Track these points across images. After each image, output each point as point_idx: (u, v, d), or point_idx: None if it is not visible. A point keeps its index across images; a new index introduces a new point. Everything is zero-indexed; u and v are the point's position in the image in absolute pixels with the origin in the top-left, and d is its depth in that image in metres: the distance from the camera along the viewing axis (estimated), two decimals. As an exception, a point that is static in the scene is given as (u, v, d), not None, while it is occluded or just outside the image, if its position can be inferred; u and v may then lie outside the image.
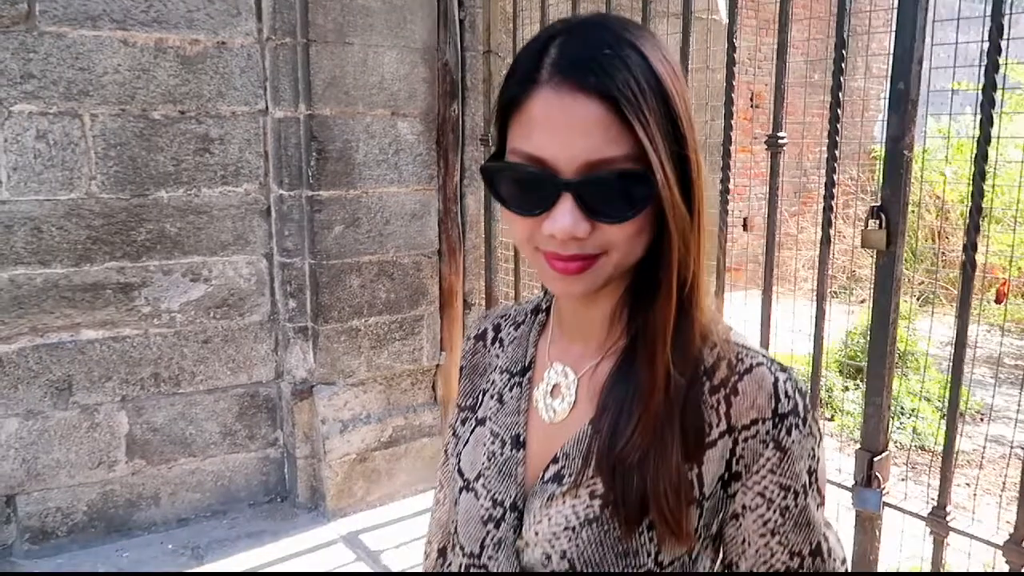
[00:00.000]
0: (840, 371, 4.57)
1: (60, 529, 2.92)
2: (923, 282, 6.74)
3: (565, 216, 0.67)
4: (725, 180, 2.22)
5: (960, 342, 1.76)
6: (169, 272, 2.96)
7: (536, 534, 0.75)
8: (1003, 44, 1.65)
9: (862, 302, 6.47)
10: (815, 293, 2.11)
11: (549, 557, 0.74)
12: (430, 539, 1.00)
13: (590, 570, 0.73)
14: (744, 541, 0.76)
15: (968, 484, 3.37)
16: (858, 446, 2.01)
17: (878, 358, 1.97)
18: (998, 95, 1.69)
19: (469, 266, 3.34)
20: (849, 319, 4.91)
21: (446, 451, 0.93)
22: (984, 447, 3.71)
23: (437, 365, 3.34)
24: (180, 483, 3.10)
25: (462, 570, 0.83)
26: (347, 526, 3.08)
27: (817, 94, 7.08)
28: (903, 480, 3.49)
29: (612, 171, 0.66)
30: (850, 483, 2.03)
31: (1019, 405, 4.09)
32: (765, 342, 2.21)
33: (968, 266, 1.77)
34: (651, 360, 0.72)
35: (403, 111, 3.08)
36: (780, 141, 2.08)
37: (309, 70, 2.87)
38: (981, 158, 1.66)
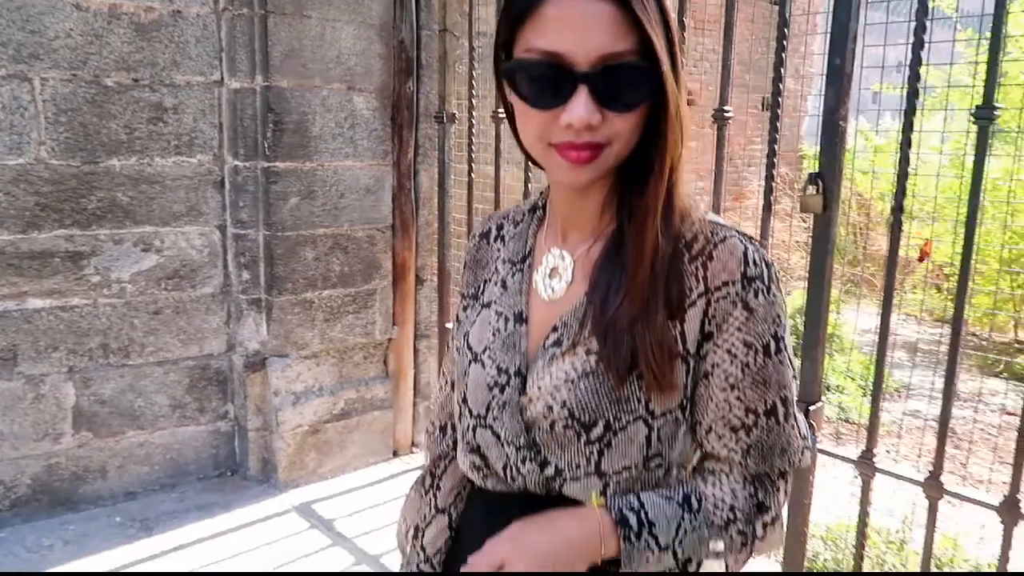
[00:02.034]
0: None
1: (2, 503, 2.85)
2: (845, 274, 7.10)
3: (581, 106, 0.76)
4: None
5: (889, 284, 1.94)
6: (120, 241, 2.93)
7: (539, 389, 0.85)
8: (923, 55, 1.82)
9: (788, 294, 6.78)
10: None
11: (551, 408, 0.83)
12: (432, 420, 1.09)
13: (587, 416, 0.82)
14: (709, 398, 0.84)
15: (888, 451, 3.61)
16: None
17: (814, 315, 2.13)
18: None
19: (422, 242, 3.40)
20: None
21: (451, 343, 1.02)
22: (902, 419, 3.98)
23: (389, 339, 3.39)
24: (128, 456, 3.07)
25: (468, 431, 0.92)
26: (299, 497, 3.11)
27: (749, 94, 7.39)
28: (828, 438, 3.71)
29: (622, 63, 0.76)
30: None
31: (933, 384, 4.40)
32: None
33: (896, 227, 1.94)
34: (641, 234, 0.81)
35: (359, 86, 3.12)
36: (726, 115, 2.23)
37: (267, 41, 2.88)
38: (908, 123, 1.83)
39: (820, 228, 2.07)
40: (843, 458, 2.17)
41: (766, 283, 0.82)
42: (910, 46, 1.82)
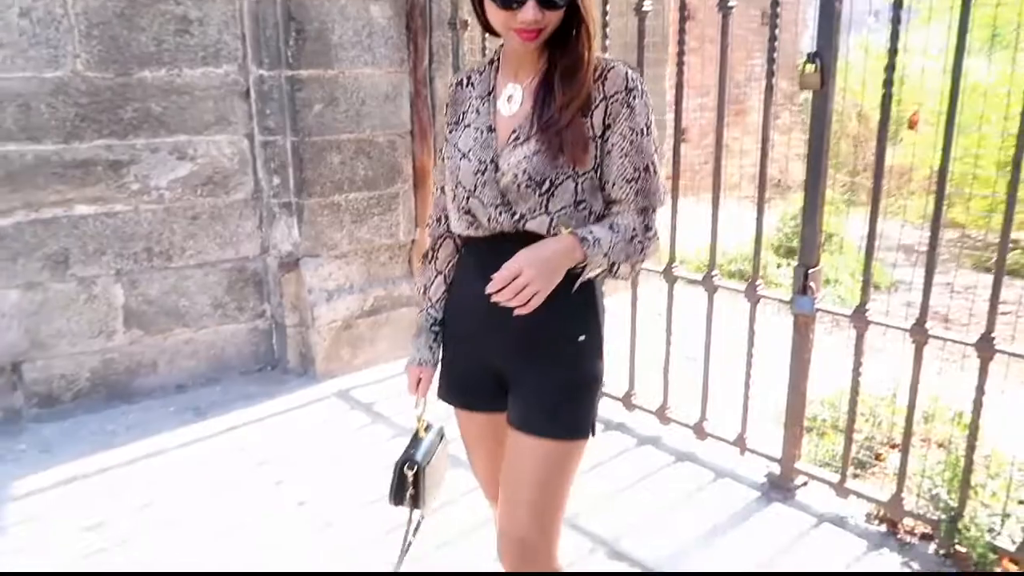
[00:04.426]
0: (776, 251, 5.00)
1: (65, 395, 3.10)
2: (845, 183, 7.26)
3: (529, 11, 1.22)
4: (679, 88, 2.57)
5: (880, 159, 2.12)
6: (156, 150, 3.10)
7: (508, 165, 1.31)
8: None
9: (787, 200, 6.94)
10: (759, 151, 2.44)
11: (516, 175, 1.30)
12: (431, 214, 1.53)
13: (539, 177, 1.29)
14: (611, 164, 1.32)
15: (883, 334, 3.84)
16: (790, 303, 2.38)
17: (813, 185, 2.32)
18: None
19: (439, 147, 3.55)
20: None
21: (443, 157, 1.43)
22: (903, 309, 4.20)
23: (412, 240, 3.59)
24: (176, 352, 3.30)
25: (461, 201, 1.36)
26: (337, 385, 3.35)
27: (746, 10, 7.41)
28: (828, 335, 3.95)
29: None
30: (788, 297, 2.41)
31: (917, 278, 4.59)
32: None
33: (887, 99, 2.11)
34: (576, 76, 1.27)
35: (375, -6, 3.24)
36: (730, 5, 2.38)
37: (286, -50, 2.99)
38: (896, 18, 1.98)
39: (818, 103, 2.24)
40: (839, 314, 2.39)
41: (640, 92, 1.31)
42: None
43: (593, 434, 1.41)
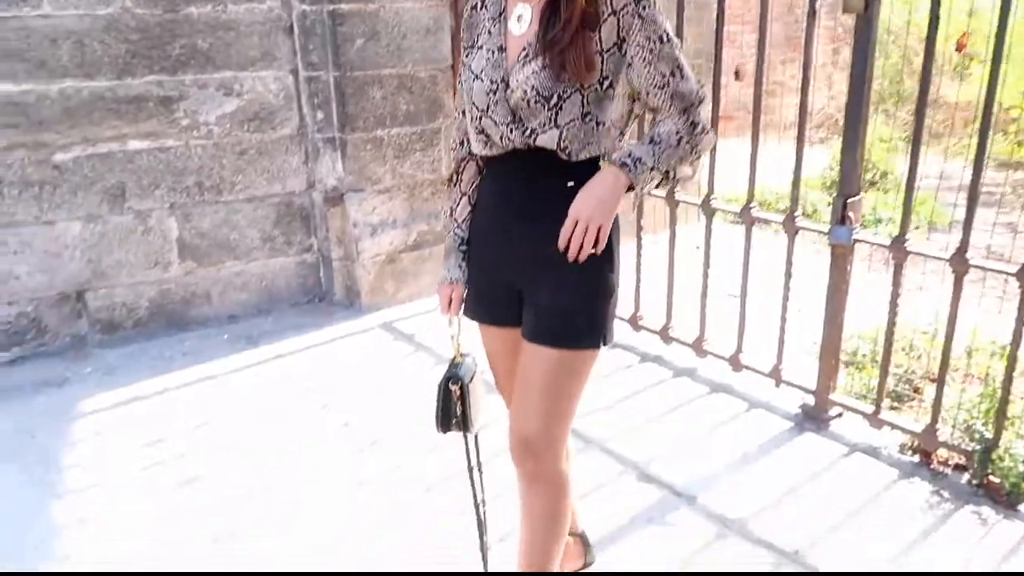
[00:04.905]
0: (827, 190, 4.89)
1: (126, 322, 3.27)
2: (907, 121, 6.98)
3: None
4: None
5: (924, 88, 2.06)
6: (204, 86, 3.18)
7: (516, 82, 1.36)
8: None
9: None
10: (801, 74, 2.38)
11: (525, 91, 1.35)
12: (454, 137, 1.59)
13: (547, 93, 1.33)
14: (638, 75, 1.36)
15: (926, 274, 3.75)
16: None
17: (854, 115, 2.27)
18: None
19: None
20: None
21: (461, 81, 1.48)
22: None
23: (454, 176, 3.62)
24: (228, 283, 3.43)
25: (475, 121, 1.43)
26: (381, 317, 3.45)
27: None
28: (875, 272, 3.88)
29: None
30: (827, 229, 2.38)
31: (985, 219, 4.43)
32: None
33: (933, 22, 2.03)
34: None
35: (415, -76, 3.22)
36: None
37: None
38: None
39: (861, 27, 2.17)
40: (878, 244, 2.36)
41: (650, 3, 1.33)
42: None
43: (606, 344, 1.45)
